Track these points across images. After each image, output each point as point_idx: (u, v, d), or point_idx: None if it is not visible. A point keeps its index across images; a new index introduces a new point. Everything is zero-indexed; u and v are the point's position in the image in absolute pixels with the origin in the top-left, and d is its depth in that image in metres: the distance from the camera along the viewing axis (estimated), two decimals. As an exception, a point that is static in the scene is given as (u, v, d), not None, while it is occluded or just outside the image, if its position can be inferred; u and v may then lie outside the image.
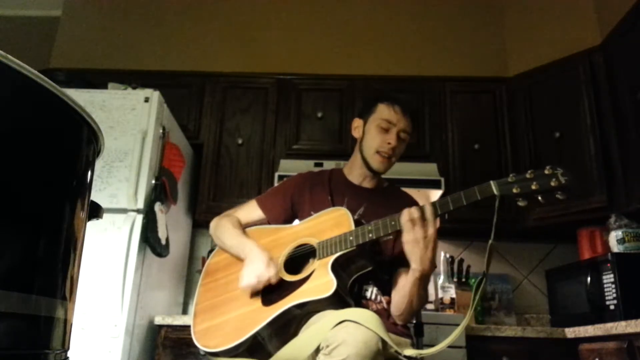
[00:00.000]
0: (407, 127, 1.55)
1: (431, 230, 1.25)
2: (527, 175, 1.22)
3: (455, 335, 1.19)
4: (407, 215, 1.27)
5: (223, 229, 1.58)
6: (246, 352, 1.33)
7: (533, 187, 1.20)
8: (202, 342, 1.37)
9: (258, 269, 1.37)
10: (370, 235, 1.33)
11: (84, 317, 1.99)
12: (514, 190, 1.22)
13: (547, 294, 2.67)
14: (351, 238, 1.34)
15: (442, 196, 2.63)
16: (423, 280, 1.32)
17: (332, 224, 1.42)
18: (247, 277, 1.38)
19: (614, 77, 2.41)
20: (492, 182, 1.24)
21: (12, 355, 0.62)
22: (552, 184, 1.19)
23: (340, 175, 1.65)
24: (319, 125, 2.86)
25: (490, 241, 1.20)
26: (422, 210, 1.27)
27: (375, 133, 1.54)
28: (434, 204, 1.28)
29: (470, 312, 1.21)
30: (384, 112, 1.55)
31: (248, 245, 1.48)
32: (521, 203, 1.23)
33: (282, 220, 1.59)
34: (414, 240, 1.26)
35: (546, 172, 1.21)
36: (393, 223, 1.32)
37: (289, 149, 2.83)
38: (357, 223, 1.39)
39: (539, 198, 1.22)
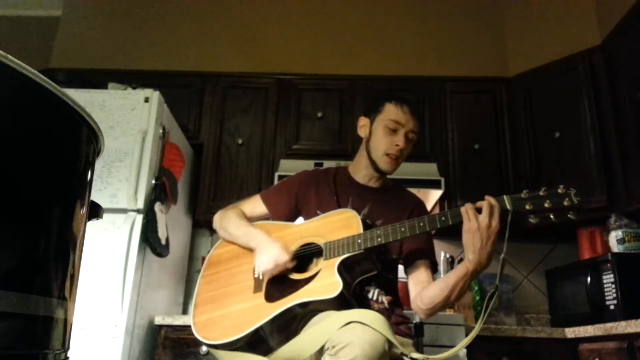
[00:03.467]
0: (415, 128, 1.53)
1: (496, 222, 1.22)
2: (541, 193, 1.21)
3: (465, 343, 1.18)
4: (470, 205, 1.25)
5: (229, 219, 1.58)
6: (246, 345, 1.33)
7: (546, 205, 1.20)
8: (202, 334, 1.37)
9: (274, 254, 1.38)
10: (379, 239, 1.32)
11: (84, 317, 1.99)
12: (527, 207, 1.21)
13: (547, 294, 2.67)
14: (359, 241, 1.33)
15: (442, 196, 2.64)
16: (474, 276, 1.30)
17: (340, 225, 1.41)
18: (264, 263, 1.38)
19: (614, 77, 2.41)
20: (505, 197, 1.24)
21: (12, 355, 0.62)
22: (566, 203, 1.19)
23: (346, 174, 1.64)
24: (319, 125, 2.86)
25: (502, 255, 1.20)
26: (487, 202, 1.24)
27: (383, 134, 1.52)
28: (499, 199, 1.25)
29: (480, 322, 1.18)
30: (392, 112, 1.52)
31: (257, 234, 1.48)
32: (533, 220, 1.22)
33: (285, 217, 1.58)
34: (476, 229, 1.22)
35: (559, 190, 1.21)
36: (403, 229, 1.31)
37: (289, 149, 2.83)
38: (364, 225, 1.39)
39: (551, 216, 1.21)
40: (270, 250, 1.40)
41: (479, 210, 1.24)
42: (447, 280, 1.34)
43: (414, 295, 1.45)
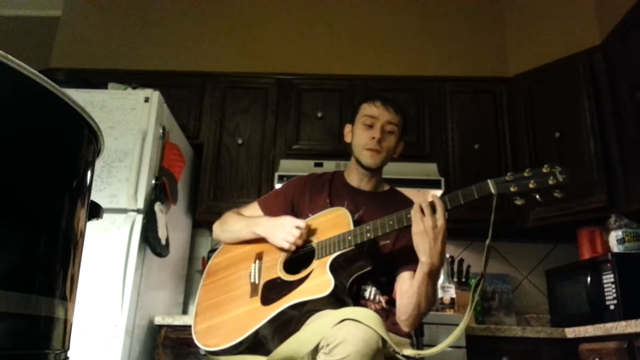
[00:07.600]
0: (393, 119, 1.56)
1: (441, 222, 1.23)
2: (525, 174, 1.21)
3: (455, 336, 1.18)
4: (417, 206, 1.26)
5: (229, 220, 1.62)
6: (247, 350, 1.34)
7: (530, 185, 1.19)
8: (203, 342, 1.39)
9: (288, 223, 1.43)
10: (369, 234, 1.33)
11: (84, 317, 1.99)
12: (511, 189, 1.20)
13: (547, 294, 2.67)
14: (349, 238, 1.34)
15: (442, 196, 2.64)
16: (432, 277, 1.29)
17: (331, 224, 1.43)
18: (284, 236, 1.42)
19: (614, 77, 2.41)
20: (489, 181, 1.24)
21: (12, 355, 0.62)
22: (550, 182, 1.17)
23: (341, 178, 1.66)
24: (319, 125, 2.86)
25: (487, 241, 1.19)
26: (431, 202, 1.26)
27: (361, 131, 1.57)
28: (442, 198, 1.27)
29: (469, 312, 1.19)
30: (366, 109, 1.59)
31: (260, 218, 1.53)
32: (518, 202, 1.22)
33: None
34: (423, 231, 1.24)
35: (544, 170, 1.19)
36: (391, 222, 1.32)
37: (289, 149, 2.83)
38: (356, 224, 1.39)
39: (537, 197, 1.20)
40: (282, 222, 1.44)
41: (424, 212, 1.25)
42: (412, 287, 1.34)
43: (397, 308, 1.44)
